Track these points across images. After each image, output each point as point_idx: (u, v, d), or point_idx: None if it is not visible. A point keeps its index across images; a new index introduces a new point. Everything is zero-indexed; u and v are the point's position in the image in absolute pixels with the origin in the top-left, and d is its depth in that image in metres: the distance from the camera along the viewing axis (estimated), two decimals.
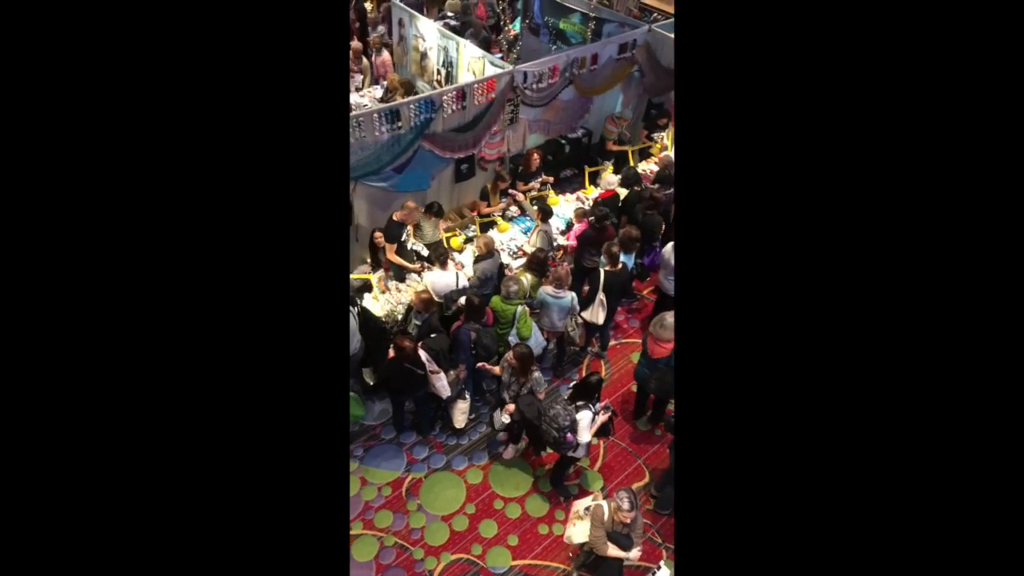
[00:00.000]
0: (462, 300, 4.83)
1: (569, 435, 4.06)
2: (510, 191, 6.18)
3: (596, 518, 3.66)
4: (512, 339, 4.68)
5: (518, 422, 4.53)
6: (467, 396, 4.89)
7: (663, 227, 5.84)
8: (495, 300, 4.72)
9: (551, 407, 4.12)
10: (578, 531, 3.83)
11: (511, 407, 4.42)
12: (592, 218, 5.44)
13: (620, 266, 5.06)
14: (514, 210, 6.21)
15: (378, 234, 5.26)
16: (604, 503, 3.71)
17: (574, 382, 4.52)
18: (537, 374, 4.36)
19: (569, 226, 5.98)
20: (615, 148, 6.92)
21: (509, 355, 4.35)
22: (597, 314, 5.12)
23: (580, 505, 4.00)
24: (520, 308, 4.66)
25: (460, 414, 4.88)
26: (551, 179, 6.45)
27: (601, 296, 5.03)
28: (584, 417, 4.08)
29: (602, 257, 5.16)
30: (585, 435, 4.11)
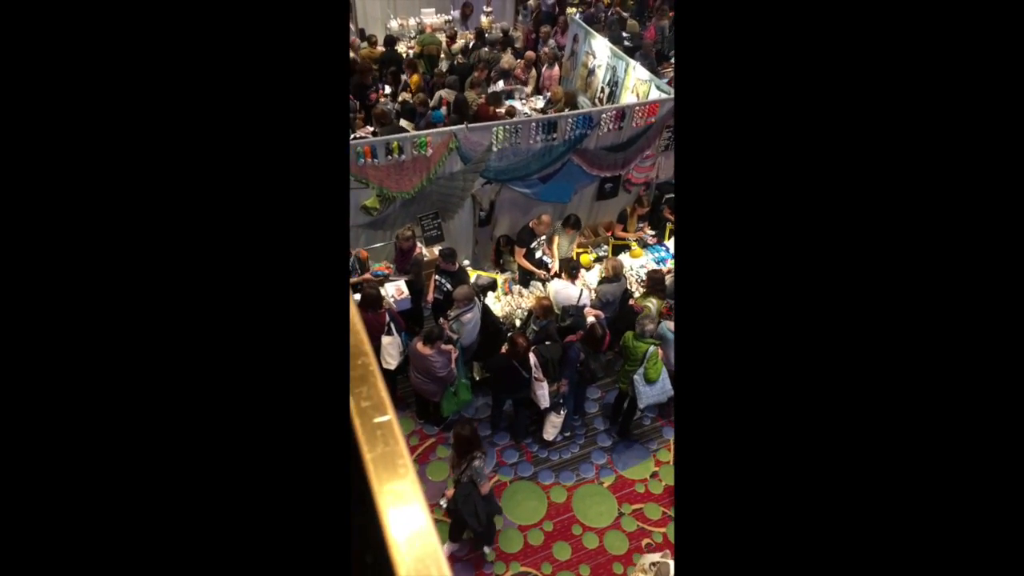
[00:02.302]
0: (589, 319, 4.75)
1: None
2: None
3: None
4: (638, 378, 4.53)
5: (453, 511, 3.98)
6: (562, 412, 4.85)
7: None
8: (627, 336, 4.52)
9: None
10: None
11: (449, 492, 3.97)
12: None
13: None
14: (651, 236, 6.05)
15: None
16: (671, 563, 3.47)
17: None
18: (477, 463, 3.74)
19: None
20: None
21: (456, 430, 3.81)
22: None
23: (646, 560, 3.78)
24: (652, 348, 4.50)
25: (551, 427, 4.86)
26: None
27: None
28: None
29: None
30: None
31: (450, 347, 4.41)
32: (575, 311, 4.88)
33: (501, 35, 8.18)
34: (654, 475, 4.82)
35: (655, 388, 4.55)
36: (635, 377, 4.53)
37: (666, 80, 7.03)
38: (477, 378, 5.10)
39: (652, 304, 4.94)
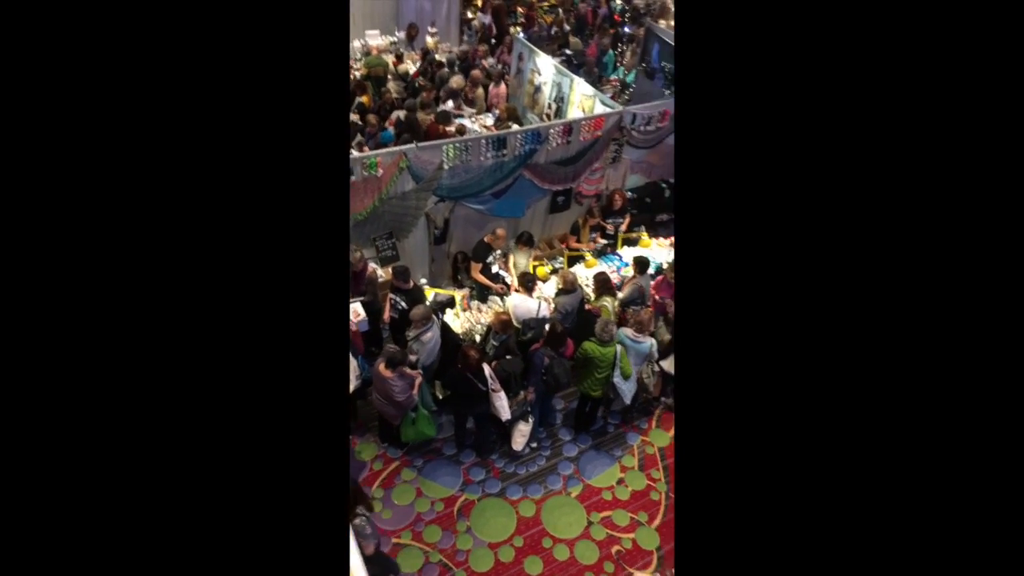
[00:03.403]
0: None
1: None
2: (600, 223, 6.16)
3: None
4: (617, 379, 4.63)
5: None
6: (530, 420, 4.86)
7: None
8: (591, 346, 4.55)
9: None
10: None
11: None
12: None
13: None
14: (602, 245, 6.17)
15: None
16: None
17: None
18: (358, 521, 3.37)
19: (659, 271, 5.86)
20: None
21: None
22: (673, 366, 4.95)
23: None
24: (619, 348, 4.59)
25: (520, 436, 4.85)
26: (627, 220, 6.27)
27: None
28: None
29: None
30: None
31: (415, 373, 4.35)
32: (536, 323, 4.92)
33: (457, 58, 8.28)
34: (620, 481, 4.87)
35: (631, 382, 4.74)
36: (615, 380, 4.62)
37: (609, 95, 7.24)
38: (440, 396, 5.05)
39: (608, 303, 5.04)
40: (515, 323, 4.89)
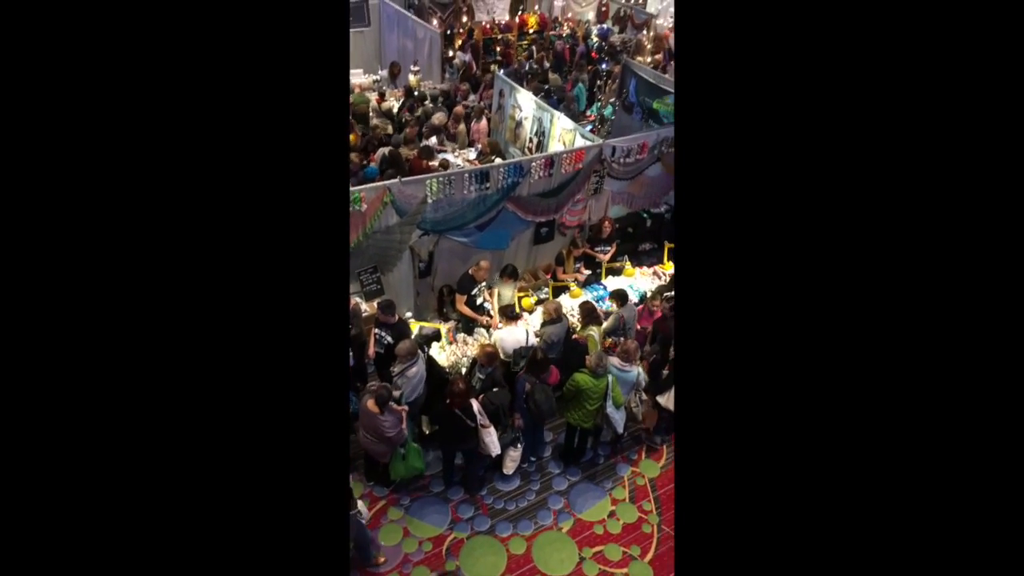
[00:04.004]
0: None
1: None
2: (585, 251, 6.22)
3: None
4: (610, 410, 4.61)
5: None
6: (520, 445, 4.80)
7: None
8: (583, 378, 4.52)
9: None
10: None
11: None
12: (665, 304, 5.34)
13: None
14: (586, 276, 6.22)
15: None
16: None
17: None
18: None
19: (642, 299, 5.90)
20: None
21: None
22: (671, 401, 4.90)
23: None
24: (611, 378, 4.58)
25: (511, 461, 4.81)
26: (613, 248, 6.34)
27: None
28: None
29: None
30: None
31: (403, 408, 4.29)
32: (527, 351, 4.90)
33: (441, 95, 8.44)
34: (611, 514, 4.79)
35: (622, 411, 4.72)
36: (608, 410, 4.60)
37: (588, 128, 7.41)
38: (427, 431, 4.97)
39: (595, 332, 5.04)
40: (503, 356, 4.87)
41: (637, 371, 4.75)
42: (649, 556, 4.53)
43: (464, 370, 5.04)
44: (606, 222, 6.27)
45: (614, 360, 4.74)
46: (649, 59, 10.23)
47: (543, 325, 5.18)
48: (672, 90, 7.87)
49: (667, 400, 4.93)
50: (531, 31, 11.24)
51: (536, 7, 11.99)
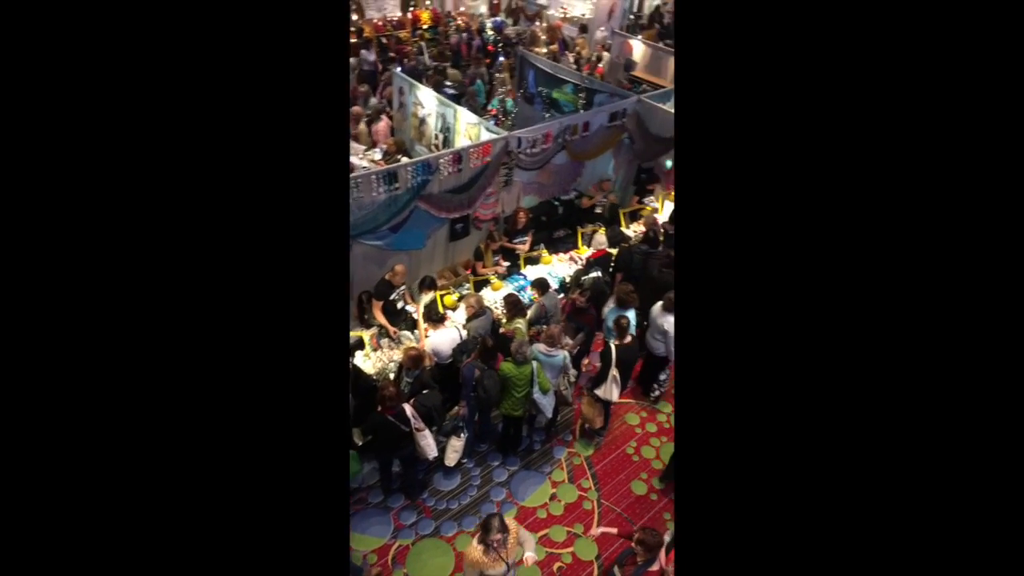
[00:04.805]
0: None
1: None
2: (503, 244, 6.27)
3: None
4: (537, 395, 4.66)
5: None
6: (463, 435, 4.78)
7: None
8: (507, 366, 4.58)
9: None
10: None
11: None
12: (581, 296, 5.38)
13: (629, 339, 5.04)
14: (506, 268, 6.27)
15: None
16: None
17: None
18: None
19: (562, 286, 6.04)
20: (587, 203, 7.04)
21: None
22: (611, 391, 5.02)
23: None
24: (535, 365, 4.64)
25: (453, 452, 4.77)
26: (528, 240, 6.44)
27: (614, 372, 4.96)
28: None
29: (612, 330, 5.11)
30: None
31: None
32: (467, 346, 4.86)
33: None
34: (553, 497, 4.90)
35: (549, 396, 4.79)
36: (535, 396, 4.66)
37: (493, 122, 7.45)
38: (359, 443, 4.83)
39: (521, 325, 5.10)
40: (442, 360, 4.81)
41: (563, 355, 4.86)
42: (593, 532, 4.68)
43: (392, 375, 4.94)
44: (520, 213, 6.34)
45: (540, 346, 4.83)
46: (545, 50, 10.43)
47: (468, 320, 5.18)
48: (569, 79, 8.09)
49: (604, 391, 5.05)
50: (424, 27, 11.11)
51: (427, 2, 11.86)
